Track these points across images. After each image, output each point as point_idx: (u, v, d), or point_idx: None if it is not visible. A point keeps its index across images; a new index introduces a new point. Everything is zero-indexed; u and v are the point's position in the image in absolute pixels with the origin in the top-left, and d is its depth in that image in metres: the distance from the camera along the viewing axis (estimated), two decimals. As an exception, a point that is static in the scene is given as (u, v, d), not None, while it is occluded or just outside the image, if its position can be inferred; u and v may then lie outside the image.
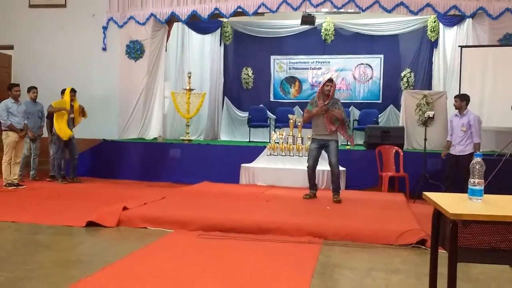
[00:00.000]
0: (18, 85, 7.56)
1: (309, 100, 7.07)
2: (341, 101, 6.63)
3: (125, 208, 5.10)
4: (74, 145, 7.94)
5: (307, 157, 6.36)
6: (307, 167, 6.24)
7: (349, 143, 6.53)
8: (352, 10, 9.02)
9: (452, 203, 2.24)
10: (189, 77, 9.38)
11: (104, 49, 9.63)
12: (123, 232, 4.69)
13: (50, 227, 4.74)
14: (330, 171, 6.24)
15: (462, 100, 6.77)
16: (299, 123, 8.10)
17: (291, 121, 8.28)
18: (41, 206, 5.89)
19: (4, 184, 7.18)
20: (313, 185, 6.32)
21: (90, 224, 4.78)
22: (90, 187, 7.58)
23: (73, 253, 4.06)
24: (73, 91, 7.90)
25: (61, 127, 7.69)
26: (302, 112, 7.28)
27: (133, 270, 3.44)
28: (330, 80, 6.12)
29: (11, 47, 9.92)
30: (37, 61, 9.73)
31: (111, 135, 9.16)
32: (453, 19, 9.41)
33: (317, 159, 6.24)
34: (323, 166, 6.75)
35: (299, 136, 8.08)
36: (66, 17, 9.73)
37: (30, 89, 8.02)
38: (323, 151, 6.31)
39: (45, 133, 8.28)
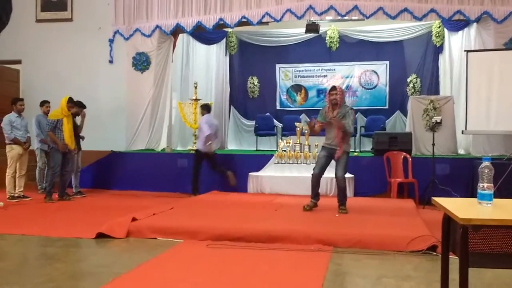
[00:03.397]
0: (22, 99, 7.76)
1: (316, 108, 7.03)
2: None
3: (134, 219, 5.11)
4: (69, 160, 7.32)
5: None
6: (312, 174, 6.02)
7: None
8: (356, 17, 9.03)
9: (462, 208, 2.23)
10: (195, 87, 9.42)
11: (111, 61, 9.72)
12: (132, 243, 4.70)
13: (60, 239, 4.76)
14: (336, 183, 6.03)
15: (203, 109, 8.20)
16: (306, 131, 8.09)
17: (298, 129, 8.28)
18: (51, 218, 5.93)
19: (7, 197, 7.24)
20: (315, 195, 6.04)
21: (100, 236, 4.80)
22: (98, 199, 7.62)
23: (83, 265, 4.07)
24: (71, 101, 7.18)
25: (69, 137, 7.20)
26: (308, 120, 7.16)
27: (143, 281, 3.44)
28: (334, 88, 5.84)
29: (19, 62, 10.03)
30: (45, 75, 9.84)
31: (119, 146, 9.22)
32: (457, 24, 9.39)
33: (324, 168, 6.01)
34: (332, 173, 6.60)
35: (306, 143, 8.08)
36: (73, 31, 9.84)
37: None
38: (332, 162, 6.05)
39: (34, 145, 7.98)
